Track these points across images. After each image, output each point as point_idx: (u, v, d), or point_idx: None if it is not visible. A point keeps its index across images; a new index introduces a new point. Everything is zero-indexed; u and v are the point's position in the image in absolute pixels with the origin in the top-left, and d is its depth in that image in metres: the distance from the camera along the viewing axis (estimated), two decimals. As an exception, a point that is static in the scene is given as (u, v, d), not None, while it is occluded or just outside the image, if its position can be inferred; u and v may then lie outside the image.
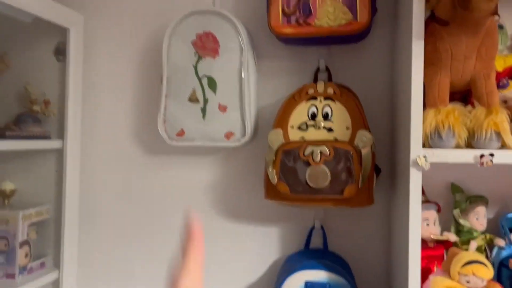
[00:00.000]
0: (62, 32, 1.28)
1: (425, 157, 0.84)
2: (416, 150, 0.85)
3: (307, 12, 1.07)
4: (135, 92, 1.35)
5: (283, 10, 1.08)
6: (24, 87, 1.26)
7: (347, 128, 1.07)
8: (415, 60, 0.84)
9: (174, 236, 1.32)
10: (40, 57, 1.31)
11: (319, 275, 1.06)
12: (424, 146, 0.88)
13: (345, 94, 1.09)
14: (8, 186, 1.28)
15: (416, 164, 0.85)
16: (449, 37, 0.86)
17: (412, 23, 0.83)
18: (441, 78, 0.88)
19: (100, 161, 1.37)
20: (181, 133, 1.20)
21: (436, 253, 1.05)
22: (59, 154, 1.29)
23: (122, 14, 1.36)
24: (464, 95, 0.99)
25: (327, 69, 1.19)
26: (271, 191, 1.09)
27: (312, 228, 1.22)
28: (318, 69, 1.19)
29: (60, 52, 1.30)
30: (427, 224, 1.05)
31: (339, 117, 1.07)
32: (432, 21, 0.88)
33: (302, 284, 1.05)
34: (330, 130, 1.08)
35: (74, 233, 1.32)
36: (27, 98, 1.26)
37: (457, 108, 0.89)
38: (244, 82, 1.15)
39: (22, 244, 1.19)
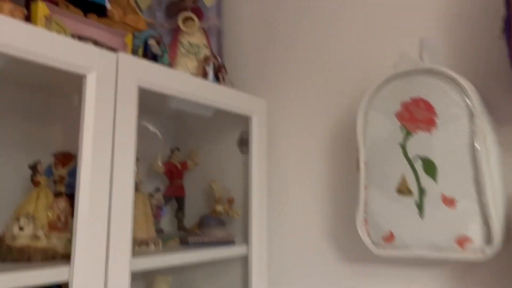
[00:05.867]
0: (244, 121, 1.16)
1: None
2: None
3: None
4: (326, 182, 1.10)
5: (539, 48, 0.71)
6: (209, 184, 1.17)
7: None
8: None
9: None
10: (224, 151, 1.22)
11: None
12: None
13: None
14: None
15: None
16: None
17: None
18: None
19: (289, 269, 1.13)
20: (389, 238, 0.88)
21: None
22: (244, 261, 1.11)
23: (305, 93, 1.16)
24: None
25: None
26: None
27: None
28: None
29: (243, 143, 1.18)
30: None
31: None
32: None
33: None
34: None
35: None
36: (212, 196, 1.16)
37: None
38: (481, 161, 0.78)
39: None
